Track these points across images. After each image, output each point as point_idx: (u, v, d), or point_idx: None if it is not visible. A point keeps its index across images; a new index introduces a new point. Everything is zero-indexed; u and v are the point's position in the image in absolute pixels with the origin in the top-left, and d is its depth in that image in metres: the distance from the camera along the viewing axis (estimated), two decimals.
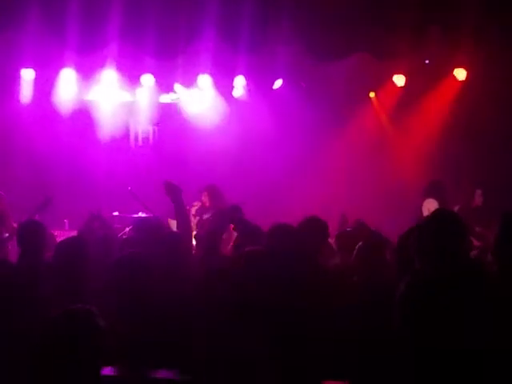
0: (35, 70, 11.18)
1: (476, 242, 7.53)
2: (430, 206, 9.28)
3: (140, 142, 12.77)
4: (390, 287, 3.73)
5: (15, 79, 11.28)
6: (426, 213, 9.01)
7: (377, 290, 4.45)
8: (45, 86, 11.47)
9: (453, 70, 11.60)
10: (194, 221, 9.43)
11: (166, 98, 12.59)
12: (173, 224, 8.96)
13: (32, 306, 4.42)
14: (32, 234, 5.40)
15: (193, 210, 9.63)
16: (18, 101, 11.41)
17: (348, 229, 7.00)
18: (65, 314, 3.15)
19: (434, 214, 4.50)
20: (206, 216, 9.53)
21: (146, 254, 4.51)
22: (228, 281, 4.28)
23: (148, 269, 4.35)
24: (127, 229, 8.51)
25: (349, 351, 4.17)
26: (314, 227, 5.47)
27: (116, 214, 10.74)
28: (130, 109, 12.45)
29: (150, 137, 12.80)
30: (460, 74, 11.59)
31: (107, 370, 3.36)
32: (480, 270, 4.04)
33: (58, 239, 7.66)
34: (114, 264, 4.40)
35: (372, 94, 12.72)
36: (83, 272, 4.80)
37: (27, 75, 11.25)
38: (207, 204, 9.62)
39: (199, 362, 3.85)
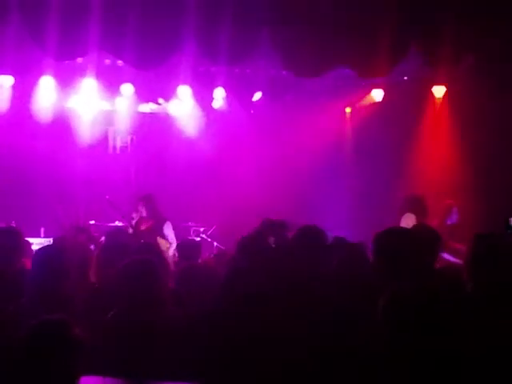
0: (14, 77, 11.12)
1: (452, 259, 7.61)
2: (407, 220, 9.35)
3: (118, 151, 12.74)
4: None
5: None
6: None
7: None
8: (24, 93, 11.41)
9: (431, 86, 11.70)
10: (130, 231, 9.43)
11: (145, 108, 12.59)
12: (161, 242, 8.99)
13: (10, 316, 4.36)
14: (8, 242, 5.36)
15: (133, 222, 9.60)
16: None
17: None
18: (39, 324, 3.13)
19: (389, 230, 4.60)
20: (143, 227, 9.52)
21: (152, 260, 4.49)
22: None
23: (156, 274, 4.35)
24: (102, 238, 8.48)
25: None
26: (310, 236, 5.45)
27: (92, 222, 10.72)
28: (109, 117, 12.44)
29: (129, 146, 12.79)
30: (438, 91, 11.68)
31: (89, 380, 3.33)
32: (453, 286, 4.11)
33: (34, 247, 7.64)
34: (121, 269, 4.37)
35: (348, 110, 12.83)
36: (62, 280, 4.75)
37: (6, 82, 11.19)
38: (144, 214, 9.59)
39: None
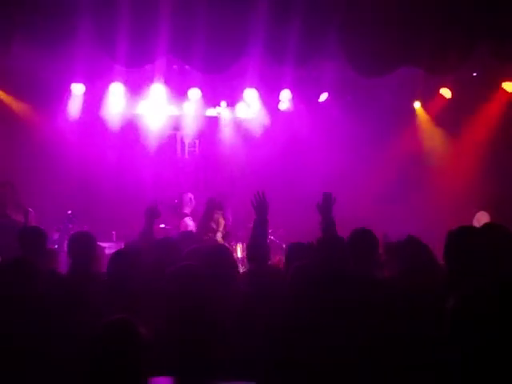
0: (85, 85, 11.37)
1: None
2: (480, 218, 9.21)
3: (187, 155, 12.88)
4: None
5: (65, 93, 11.48)
6: (476, 224, 8.92)
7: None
8: (94, 100, 11.66)
9: (501, 82, 11.49)
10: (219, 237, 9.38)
11: (212, 112, 12.69)
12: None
13: (82, 318, 4.48)
14: (82, 246, 5.49)
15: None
16: (68, 115, 11.60)
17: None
18: (106, 326, 3.25)
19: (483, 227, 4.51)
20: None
21: (199, 266, 4.53)
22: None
23: (202, 281, 4.39)
24: None
25: None
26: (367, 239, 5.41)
27: (162, 226, 10.85)
28: (177, 122, 12.59)
29: (197, 149, 12.91)
30: (509, 86, 11.47)
31: (158, 381, 3.41)
32: None
33: (107, 251, 7.78)
34: (168, 275, 4.44)
35: (417, 105, 12.65)
36: (135, 284, 4.86)
37: (77, 90, 11.45)
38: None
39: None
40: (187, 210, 10.11)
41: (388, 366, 3.98)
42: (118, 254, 5.14)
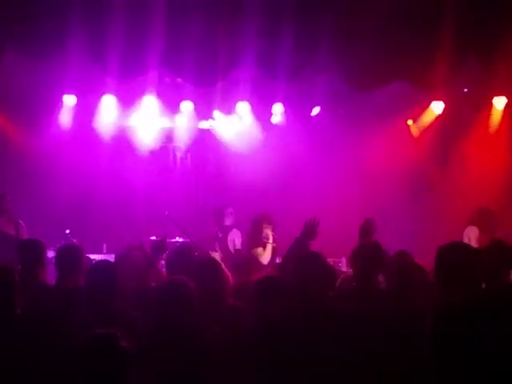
0: (77, 96, 11.37)
1: None
2: (470, 233, 9.21)
3: (178, 167, 12.87)
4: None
5: (57, 105, 11.47)
6: (465, 240, 8.92)
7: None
8: (86, 112, 11.65)
9: (492, 97, 11.55)
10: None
11: (204, 124, 12.70)
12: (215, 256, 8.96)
13: (69, 329, 4.48)
14: (69, 258, 5.48)
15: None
16: (60, 127, 11.59)
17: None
18: (88, 340, 3.33)
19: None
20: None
21: (187, 280, 4.53)
22: None
23: (190, 297, 4.40)
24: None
25: None
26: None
27: (153, 238, 10.82)
28: (169, 134, 12.58)
29: (189, 162, 12.90)
30: (499, 102, 11.52)
31: None
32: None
33: None
34: (157, 290, 4.46)
35: (410, 122, 12.71)
36: (114, 296, 4.86)
37: (69, 101, 11.44)
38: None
39: None
40: (228, 223, 10.15)
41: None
42: (95, 266, 5.20)
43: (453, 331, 3.02)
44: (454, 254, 4.53)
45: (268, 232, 9.15)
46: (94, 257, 8.72)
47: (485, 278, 4.59)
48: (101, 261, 5.87)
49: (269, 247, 9.12)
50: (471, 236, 9.18)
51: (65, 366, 3.66)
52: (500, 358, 3.02)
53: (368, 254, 5.33)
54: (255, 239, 9.07)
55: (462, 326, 3.03)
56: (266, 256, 9.04)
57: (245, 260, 7.23)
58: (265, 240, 9.08)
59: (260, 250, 9.05)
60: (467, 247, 4.86)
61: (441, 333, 3.05)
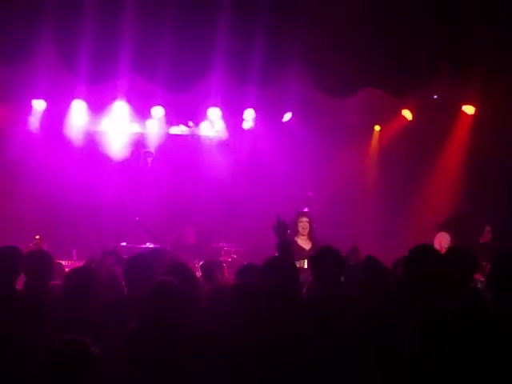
0: (46, 101, 11.28)
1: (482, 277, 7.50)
2: (441, 239, 9.29)
3: (149, 173, 12.80)
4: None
5: (27, 110, 11.37)
6: (436, 246, 8.99)
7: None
8: (56, 117, 11.55)
9: (461, 105, 11.67)
10: None
11: (175, 130, 12.67)
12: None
13: (36, 334, 4.45)
14: (37, 263, 5.44)
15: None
16: (29, 131, 11.48)
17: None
18: (56, 347, 3.31)
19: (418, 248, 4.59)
20: None
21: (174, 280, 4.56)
22: None
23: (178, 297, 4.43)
24: None
25: None
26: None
27: (124, 244, 10.78)
28: (140, 140, 12.53)
29: (159, 168, 12.83)
30: (469, 109, 11.65)
31: None
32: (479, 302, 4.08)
33: (66, 269, 7.70)
34: (149, 289, 4.48)
35: (377, 128, 12.80)
36: (91, 302, 4.87)
37: (38, 106, 11.35)
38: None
39: None
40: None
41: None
42: (74, 272, 5.19)
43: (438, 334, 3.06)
44: (423, 257, 4.58)
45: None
46: (65, 263, 8.67)
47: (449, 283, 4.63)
48: (79, 267, 5.87)
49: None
50: (442, 242, 9.26)
51: (28, 367, 3.63)
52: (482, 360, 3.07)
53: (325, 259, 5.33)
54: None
55: (446, 329, 3.07)
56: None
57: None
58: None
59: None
60: (434, 250, 4.91)
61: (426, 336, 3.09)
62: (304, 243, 9.48)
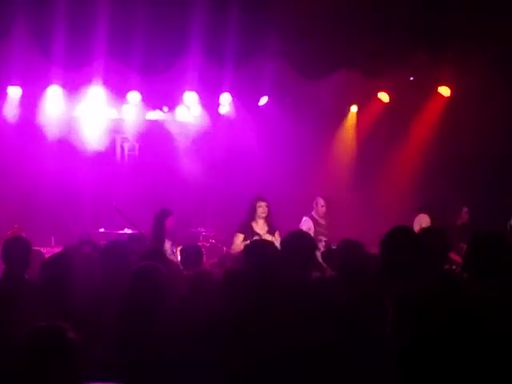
0: (22, 88, 11.15)
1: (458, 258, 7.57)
2: (421, 221, 9.34)
3: (126, 159, 12.74)
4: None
5: (1, 97, 11.24)
6: (417, 228, 9.03)
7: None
8: (31, 103, 11.43)
9: (437, 87, 11.73)
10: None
11: (152, 115, 12.59)
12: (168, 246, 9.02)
13: (14, 321, 4.43)
14: (16, 251, 5.42)
15: None
16: (5, 118, 11.36)
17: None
18: (35, 330, 3.26)
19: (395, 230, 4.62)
20: None
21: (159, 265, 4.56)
22: None
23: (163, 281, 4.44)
24: None
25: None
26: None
27: (102, 230, 10.74)
28: (117, 125, 12.44)
29: (136, 153, 12.77)
30: (444, 91, 11.72)
31: None
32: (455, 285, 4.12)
33: (45, 256, 7.67)
34: (132, 274, 4.49)
35: (354, 108, 12.82)
36: (68, 289, 4.84)
37: (14, 93, 11.22)
38: None
39: None
40: (314, 214, 10.26)
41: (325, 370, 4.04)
42: (51, 259, 5.19)
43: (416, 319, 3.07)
44: (397, 239, 4.60)
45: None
46: (43, 250, 8.61)
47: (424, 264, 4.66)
48: (56, 254, 5.85)
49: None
50: (422, 223, 9.30)
51: (5, 354, 3.61)
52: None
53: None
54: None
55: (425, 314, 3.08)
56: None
57: None
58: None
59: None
60: (411, 232, 4.93)
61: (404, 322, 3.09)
62: (259, 228, 9.48)
